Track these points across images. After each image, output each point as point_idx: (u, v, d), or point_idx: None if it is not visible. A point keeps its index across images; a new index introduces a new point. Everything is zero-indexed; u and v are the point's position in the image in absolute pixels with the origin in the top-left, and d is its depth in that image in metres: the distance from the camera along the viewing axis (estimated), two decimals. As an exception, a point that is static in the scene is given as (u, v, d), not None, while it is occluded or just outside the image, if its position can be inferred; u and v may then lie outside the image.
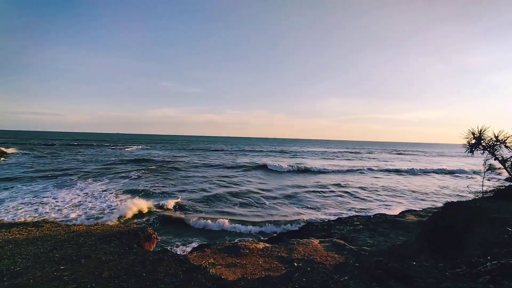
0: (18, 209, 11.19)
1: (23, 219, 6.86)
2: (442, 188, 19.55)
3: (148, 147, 60.93)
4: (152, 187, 16.46)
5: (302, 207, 12.98)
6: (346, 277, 3.03)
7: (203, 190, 16.38)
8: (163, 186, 17.02)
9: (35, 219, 5.99)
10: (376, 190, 17.69)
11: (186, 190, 16.05)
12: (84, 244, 3.70)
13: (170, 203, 12.11)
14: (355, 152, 62.41)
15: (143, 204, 11.17)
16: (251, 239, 6.84)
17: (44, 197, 13.29)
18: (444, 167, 30.49)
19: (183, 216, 10.40)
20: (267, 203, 13.72)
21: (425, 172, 28.14)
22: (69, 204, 12.32)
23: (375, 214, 6.89)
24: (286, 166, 27.39)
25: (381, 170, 28.77)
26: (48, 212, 10.87)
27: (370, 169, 28.96)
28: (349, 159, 43.63)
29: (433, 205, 11.83)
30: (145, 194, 14.47)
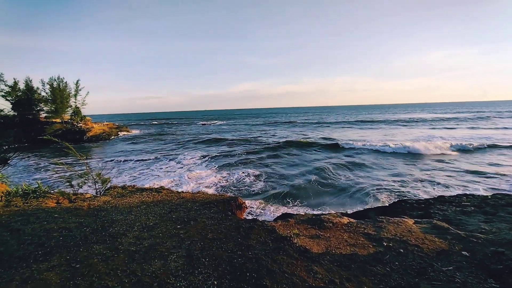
0: (142, 175, 14.66)
1: (147, 186, 8.84)
2: None
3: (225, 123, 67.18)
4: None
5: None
6: (451, 267, 2.66)
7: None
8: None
9: (155, 186, 7.65)
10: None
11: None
12: (191, 209, 4.54)
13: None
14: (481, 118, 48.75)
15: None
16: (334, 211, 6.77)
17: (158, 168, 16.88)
18: None
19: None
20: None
21: None
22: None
23: (494, 194, 5.57)
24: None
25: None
26: (162, 178, 13.82)
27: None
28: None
29: None
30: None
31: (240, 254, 2.94)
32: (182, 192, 5.67)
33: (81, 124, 38.70)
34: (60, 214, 4.18)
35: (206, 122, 69.87)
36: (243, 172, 14.86)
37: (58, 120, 38.32)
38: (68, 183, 5.93)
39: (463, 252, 3.09)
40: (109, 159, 20.67)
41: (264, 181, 13.02)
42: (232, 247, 3.12)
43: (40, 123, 36.42)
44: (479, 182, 11.75)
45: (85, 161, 6.38)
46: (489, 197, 5.43)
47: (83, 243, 3.21)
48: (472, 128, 33.82)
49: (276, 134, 34.53)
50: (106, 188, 6.15)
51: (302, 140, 23.31)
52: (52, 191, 5.70)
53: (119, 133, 43.43)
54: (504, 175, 12.51)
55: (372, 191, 10.90)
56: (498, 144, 19.73)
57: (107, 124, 44.67)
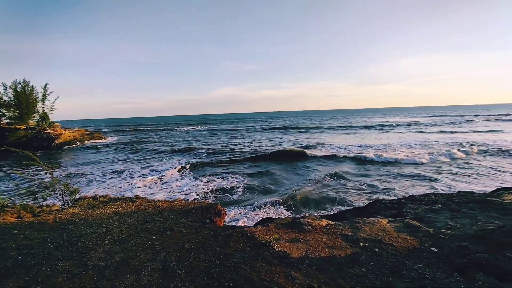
0: (112, 186, 13.96)
1: (121, 195, 8.41)
2: None
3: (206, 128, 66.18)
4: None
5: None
6: (421, 264, 2.79)
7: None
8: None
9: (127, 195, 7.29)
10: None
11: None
12: (168, 218, 4.38)
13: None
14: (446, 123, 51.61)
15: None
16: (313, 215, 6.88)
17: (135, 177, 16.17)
18: None
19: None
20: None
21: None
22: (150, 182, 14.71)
23: (458, 192, 5.97)
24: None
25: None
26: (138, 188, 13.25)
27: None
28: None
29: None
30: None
31: (218, 263, 2.86)
32: (159, 201, 5.46)
33: (49, 131, 36.12)
34: (20, 230, 3.83)
35: (186, 128, 68.38)
36: (223, 179, 14.68)
37: (22, 127, 35.51)
38: (31, 195, 5.48)
39: (432, 249, 3.26)
40: (79, 168, 19.46)
41: (244, 188, 12.94)
42: (210, 256, 3.04)
43: (1, 129, 33.54)
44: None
45: (51, 170, 5.94)
46: (454, 195, 5.81)
47: (46, 261, 2.96)
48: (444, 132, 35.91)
49: (257, 141, 34.45)
50: (75, 199, 5.76)
51: (289, 148, 23.17)
52: (12, 205, 5.23)
53: (91, 140, 41.14)
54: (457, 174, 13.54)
55: (351, 194, 11.27)
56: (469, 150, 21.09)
57: (78, 131, 42.17)
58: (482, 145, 21.52)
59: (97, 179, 15.78)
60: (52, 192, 5.64)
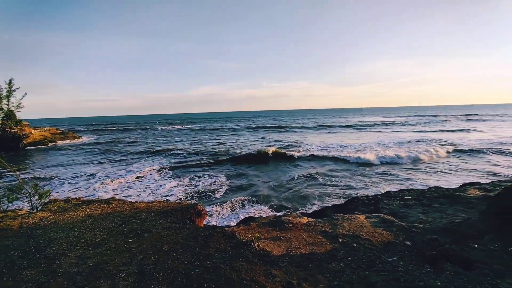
0: (86, 188, 13.30)
1: (95, 198, 8.02)
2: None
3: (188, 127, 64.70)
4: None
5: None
6: (395, 258, 2.91)
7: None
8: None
9: (103, 197, 6.96)
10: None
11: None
12: (146, 220, 4.22)
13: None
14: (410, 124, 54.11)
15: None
16: (295, 213, 6.98)
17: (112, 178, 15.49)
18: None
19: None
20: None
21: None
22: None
23: (429, 188, 6.32)
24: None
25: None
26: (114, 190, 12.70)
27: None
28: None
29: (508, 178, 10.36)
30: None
31: (197, 264, 2.80)
32: (136, 202, 5.26)
33: (15, 130, 33.59)
34: (-20, 237, 3.52)
35: (167, 127, 66.35)
36: (204, 179, 14.46)
37: (-16, 126, 32.76)
38: (-7, 199, 5.06)
39: (406, 242, 3.42)
40: (50, 170, 18.29)
41: (226, 188, 12.83)
42: (190, 257, 2.97)
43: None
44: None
45: (18, 172, 5.53)
46: (426, 190, 6.15)
47: (8, 270, 2.73)
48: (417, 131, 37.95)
49: (240, 140, 34.21)
50: (45, 202, 5.40)
51: (272, 150, 23.09)
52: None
53: (64, 140, 38.78)
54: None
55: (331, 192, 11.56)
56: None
57: (49, 130, 39.57)
58: (453, 145, 23.00)
59: (69, 181, 14.89)
60: (18, 196, 5.25)
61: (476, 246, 2.85)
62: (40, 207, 5.19)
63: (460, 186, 6.31)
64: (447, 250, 2.79)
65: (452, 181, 12.62)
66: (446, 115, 74.75)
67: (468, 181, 7.90)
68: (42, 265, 2.85)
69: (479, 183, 6.29)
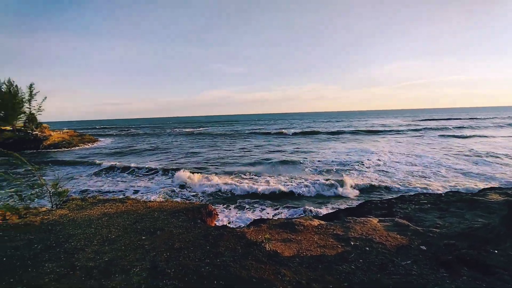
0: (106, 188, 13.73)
1: (113, 196, 8.28)
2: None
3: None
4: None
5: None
6: (409, 261, 2.84)
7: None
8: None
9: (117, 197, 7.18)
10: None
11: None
12: (158, 218, 4.33)
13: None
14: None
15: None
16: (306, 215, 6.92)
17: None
18: None
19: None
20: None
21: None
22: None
23: (447, 192, 6.11)
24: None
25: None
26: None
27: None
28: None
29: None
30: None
31: (208, 262, 2.85)
32: (149, 201, 5.39)
33: (36, 132, 35.21)
34: (5, 231, 3.73)
35: (180, 130, 66.79)
36: (223, 185, 14.26)
37: (8, 128, 34.57)
38: (17, 197, 5.34)
39: (421, 247, 3.32)
40: (69, 170, 19.02)
41: (240, 192, 12.81)
42: (200, 255, 3.02)
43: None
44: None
45: (39, 172, 5.81)
46: (443, 195, 5.94)
47: (32, 262, 2.89)
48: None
49: (260, 146, 31.42)
50: (64, 200, 5.64)
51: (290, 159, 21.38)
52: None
53: (83, 142, 39.62)
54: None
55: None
56: None
57: (67, 132, 41.17)
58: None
59: (83, 181, 15.47)
60: (39, 194, 5.52)
61: (496, 251, 2.73)
62: (59, 205, 5.43)
63: (480, 191, 6.06)
64: (464, 255, 2.70)
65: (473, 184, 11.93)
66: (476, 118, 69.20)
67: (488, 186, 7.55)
68: (62, 259, 2.98)
69: (500, 188, 6.02)
